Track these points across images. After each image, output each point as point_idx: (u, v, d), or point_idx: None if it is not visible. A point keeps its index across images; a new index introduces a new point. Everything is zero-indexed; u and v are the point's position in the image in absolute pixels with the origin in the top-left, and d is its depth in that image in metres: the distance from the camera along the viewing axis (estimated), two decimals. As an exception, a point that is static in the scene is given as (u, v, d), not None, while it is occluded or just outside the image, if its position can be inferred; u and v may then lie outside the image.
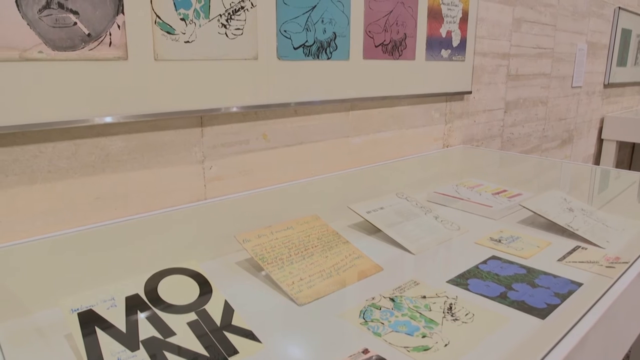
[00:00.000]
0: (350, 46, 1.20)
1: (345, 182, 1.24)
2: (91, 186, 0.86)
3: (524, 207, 1.09)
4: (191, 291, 0.69)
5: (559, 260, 0.88)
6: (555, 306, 0.71)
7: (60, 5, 0.75)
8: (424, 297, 0.74)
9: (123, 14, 0.82)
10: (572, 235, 1.00)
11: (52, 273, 0.77)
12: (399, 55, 1.35)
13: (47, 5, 0.74)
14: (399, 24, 1.33)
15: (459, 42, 1.56)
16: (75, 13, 0.77)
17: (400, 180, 1.39)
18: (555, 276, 0.81)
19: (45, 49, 0.75)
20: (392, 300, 0.73)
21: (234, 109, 1.00)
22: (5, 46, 0.71)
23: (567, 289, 0.76)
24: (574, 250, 0.92)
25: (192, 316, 0.65)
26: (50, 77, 0.76)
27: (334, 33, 1.15)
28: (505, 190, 1.32)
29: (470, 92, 1.68)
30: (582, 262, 0.87)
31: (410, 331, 0.65)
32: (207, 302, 0.68)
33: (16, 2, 0.71)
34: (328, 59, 1.16)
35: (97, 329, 0.60)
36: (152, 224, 0.89)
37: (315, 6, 1.10)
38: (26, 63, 0.74)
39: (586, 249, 0.93)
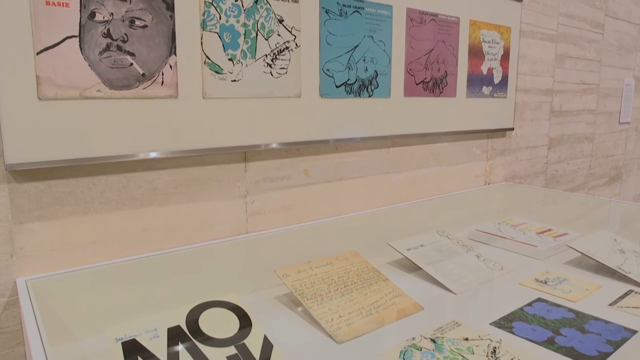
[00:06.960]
0: (392, 84, 1.22)
1: (385, 219, 1.24)
2: (139, 218, 0.89)
3: (571, 247, 1.05)
4: (231, 325, 0.70)
5: (610, 304, 0.84)
6: (608, 354, 0.67)
7: (119, 48, 0.80)
8: (467, 339, 0.72)
9: (175, 55, 0.87)
10: (623, 278, 0.96)
11: (99, 301, 0.79)
12: (440, 93, 1.35)
13: (107, 48, 0.79)
14: (440, 62, 1.34)
15: (500, 79, 1.55)
16: (132, 55, 0.82)
17: (440, 218, 1.37)
18: (606, 322, 0.77)
19: (103, 88, 0.80)
20: (433, 341, 0.71)
21: (277, 145, 1.03)
22: (68, 85, 0.77)
23: (620, 336, 0.72)
24: (626, 294, 0.88)
25: (231, 350, 0.65)
26: (106, 114, 0.81)
27: (376, 71, 1.18)
28: (550, 230, 1.28)
29: (512, 129, 1.66)
30: (636, 307, 0.82)
31: (452, 375, 0.63)
32: (247, 336, 0.68)
33: (80, 45, 0.77)
34: (369, 96, 1.17)
35: (139, 359, 0.61)
36: (194, 256, 0.91)
37: (357, 46, 1.13)
38: (85, 101, 0.79)
39: (640, 293, 0.88)
